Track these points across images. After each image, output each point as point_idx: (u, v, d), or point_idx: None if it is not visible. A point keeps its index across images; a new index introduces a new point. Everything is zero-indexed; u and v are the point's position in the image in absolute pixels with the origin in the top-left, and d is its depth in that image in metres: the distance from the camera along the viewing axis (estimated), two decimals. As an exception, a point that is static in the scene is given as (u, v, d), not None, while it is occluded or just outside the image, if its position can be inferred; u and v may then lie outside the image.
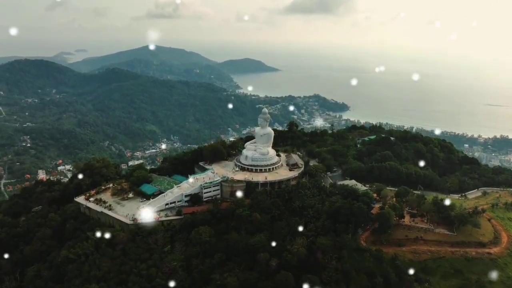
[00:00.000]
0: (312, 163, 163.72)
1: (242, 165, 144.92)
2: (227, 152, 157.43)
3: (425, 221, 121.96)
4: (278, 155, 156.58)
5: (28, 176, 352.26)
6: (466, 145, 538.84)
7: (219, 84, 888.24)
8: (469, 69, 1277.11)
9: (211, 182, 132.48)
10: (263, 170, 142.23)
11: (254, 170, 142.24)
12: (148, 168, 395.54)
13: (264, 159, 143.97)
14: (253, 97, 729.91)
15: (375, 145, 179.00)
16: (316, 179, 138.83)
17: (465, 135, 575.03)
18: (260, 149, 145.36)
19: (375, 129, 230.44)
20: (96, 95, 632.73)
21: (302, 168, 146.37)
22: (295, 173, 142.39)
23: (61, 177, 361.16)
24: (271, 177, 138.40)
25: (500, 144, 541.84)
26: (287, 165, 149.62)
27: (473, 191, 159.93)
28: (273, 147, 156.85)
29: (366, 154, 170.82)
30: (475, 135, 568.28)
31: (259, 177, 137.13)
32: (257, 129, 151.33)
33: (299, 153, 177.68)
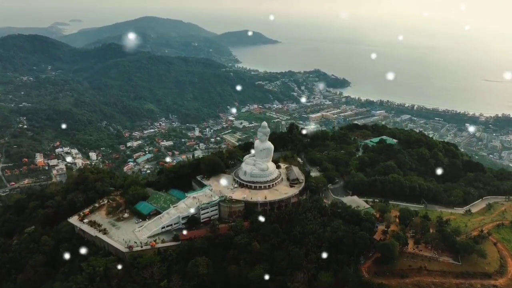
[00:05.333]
0: (313, 172, 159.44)
1: (241, 181, 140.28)
2: (225, 163, 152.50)
3: (429, 248, 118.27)
4: (278, 167, 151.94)
5: (26, 160, 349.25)
6: (467, 124, 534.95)
7: (218, 58, 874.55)
8: (474, 40, 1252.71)
9: (208, 203, 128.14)
10: (262, 187, 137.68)
11: (253, 187, 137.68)
12: (146, 156, 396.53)
13: (264, 175, 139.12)
14: (252, 73, 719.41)
15: (378, 153, 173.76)
16: (316, 198, 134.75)
17: (466, 113, 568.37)
18: (260, 165, 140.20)
19: (378, 128, 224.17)
20: (92, 72, 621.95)
21: (303, 184, 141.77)
22: (295, 190, 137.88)
23: (59, 161, 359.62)
24: (270, 195, 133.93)
25: (502, 123, 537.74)
26: (288, 179, 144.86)
27: (478, 201, 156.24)
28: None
29: (369, 164, 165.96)
30: (477, 114, 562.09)
31: (259, 196, 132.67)
32: (256, 142, 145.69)
33: (300, 160, 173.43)
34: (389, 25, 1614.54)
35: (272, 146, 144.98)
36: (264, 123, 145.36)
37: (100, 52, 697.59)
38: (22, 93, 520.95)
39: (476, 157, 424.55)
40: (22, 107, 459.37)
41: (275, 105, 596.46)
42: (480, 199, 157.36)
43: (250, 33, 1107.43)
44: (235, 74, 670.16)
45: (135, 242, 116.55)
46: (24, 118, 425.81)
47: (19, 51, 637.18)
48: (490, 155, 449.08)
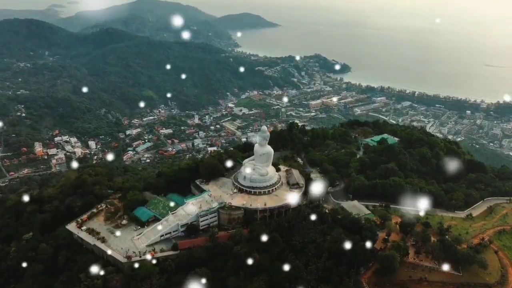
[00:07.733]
0: (314, 174, 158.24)
1: (240, 186, 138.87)
2: (225, 167, 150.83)
3: (430, 257, 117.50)
4: (278, 169, 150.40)
5: (25, 149, 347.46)
6: (468, 112, 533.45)
7: (217, 42, 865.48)
8: (474, 23, 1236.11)
9: (208, 210, 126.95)
10: (262, 193, 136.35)
11: (252, 193, 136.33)
12: (146, 145, 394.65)
13: (263, 180, 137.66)
14: (252, 58, 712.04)
15: (379, 154, 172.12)
16: (317, 204, 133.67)
17: (467, 100, 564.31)
18: (259, 170, 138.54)
19: (379, 125, 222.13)
20: (90, 58, 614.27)
21: (303, 188, 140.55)
22: (295, 195, 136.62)
23: (58, 150, 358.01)
24: (270, 201, 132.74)
25: (503, 110, 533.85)
26: (288, 183, 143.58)
27: (479, 203, 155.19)
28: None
29: (370, 165, 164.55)
30: (478, 101, 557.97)
31: (258, 202, 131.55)
32: (256, 146, 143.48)
33: (300, 160, 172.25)
34: (390, 7, 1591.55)
35: (272, 151, 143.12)
36: (264, 127, 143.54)
37: (97, 37, 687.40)
38: (20, 79, 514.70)
39: (477, 146, 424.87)
40: (20, 95, 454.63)
41: (274, 91, 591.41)
42: (482, 201, 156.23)
43: (250, 14, 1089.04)
44: (235, 60, 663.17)
45: (134, 252, 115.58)
46: (22, 106, 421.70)
47: (15, 36, 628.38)
48: (491, 143, 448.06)
